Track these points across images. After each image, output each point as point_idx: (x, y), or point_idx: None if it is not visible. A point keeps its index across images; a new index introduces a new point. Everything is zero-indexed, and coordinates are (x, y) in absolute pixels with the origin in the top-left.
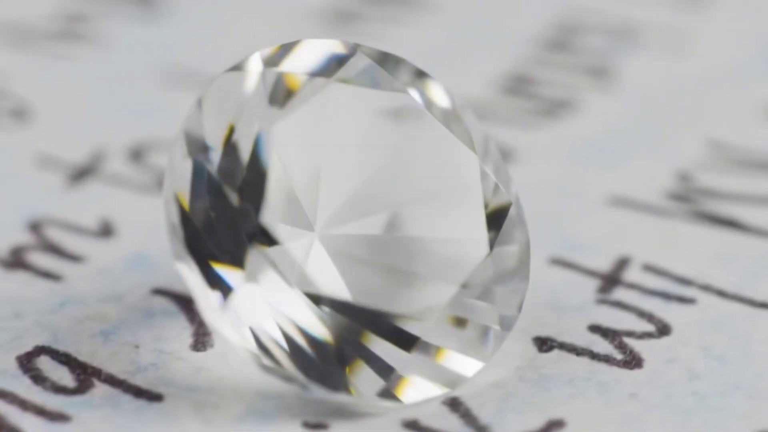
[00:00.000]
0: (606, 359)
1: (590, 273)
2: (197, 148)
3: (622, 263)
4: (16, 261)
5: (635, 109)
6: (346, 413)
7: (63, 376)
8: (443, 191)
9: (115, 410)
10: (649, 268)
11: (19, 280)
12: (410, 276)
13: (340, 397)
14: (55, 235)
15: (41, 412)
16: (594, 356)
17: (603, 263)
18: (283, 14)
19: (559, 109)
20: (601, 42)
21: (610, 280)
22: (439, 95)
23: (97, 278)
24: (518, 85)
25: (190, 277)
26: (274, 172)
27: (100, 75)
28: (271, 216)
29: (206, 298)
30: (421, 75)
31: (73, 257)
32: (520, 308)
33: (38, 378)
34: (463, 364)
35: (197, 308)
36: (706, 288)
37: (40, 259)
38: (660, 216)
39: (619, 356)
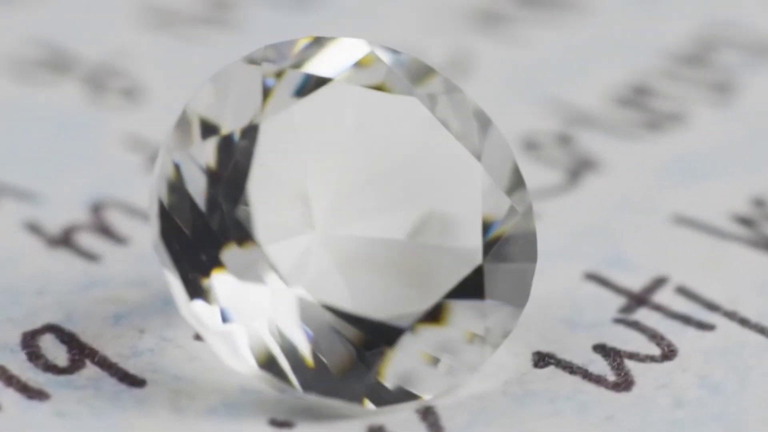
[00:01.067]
0: (597, 380)
1: (620, 291)
2: (211, 135)
3: (657, 283)
4: (64, 239)
5: (743, 128)
6: (314, 414)
7: (59, 355)
8: (442, 199)
9: (95, 392)
10: (682, 291)
11: (59, 258)
12: (401, 281)
13: (325, 400)
14: (113, 216)
15: (23, 388)
16: (586, 376)
17: (638, 282)
18: (431, 11)
19: (665, 123)
20: (736, 58)
21: (638, 299)
22: (462, 109)
23: (133, 262)
24: (635, 96)
25: (172, 279)
26: (277, 170)
27: (228, 61)
28: (270, 214)
29: (184, 296)
30: (452, 89)
31: (119, 239)
32: (513, 325)
33: (34, 355)
34: (449, 372)
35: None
36: (730, 315)
37: (88, 240)
38: (719, 238)
39: (611, 378)
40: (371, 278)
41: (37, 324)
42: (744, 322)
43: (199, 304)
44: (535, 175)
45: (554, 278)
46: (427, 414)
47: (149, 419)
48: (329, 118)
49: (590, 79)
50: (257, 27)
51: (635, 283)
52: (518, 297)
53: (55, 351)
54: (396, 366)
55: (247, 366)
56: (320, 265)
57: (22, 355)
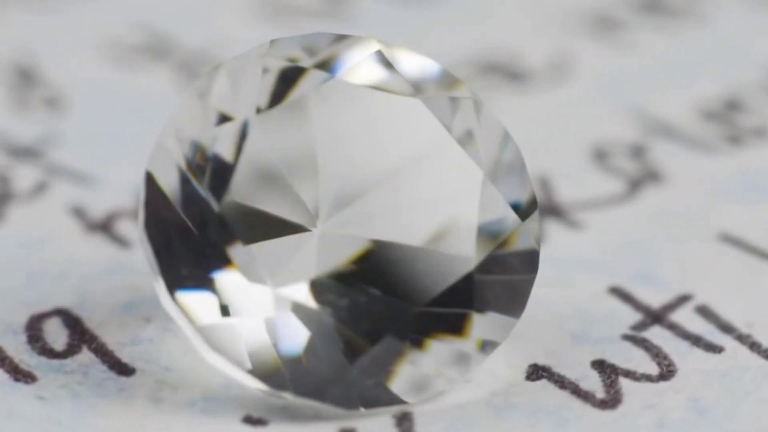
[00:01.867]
0: (585, 396)
1: (639, 307)
2: (223, 124)
3: (680, 301)
4: (103, 225)
5: None
6: (290, 413)
7: (59, 339)
8: (439, 204)
9: (82, 378)
10: (702, 310)
11: (92, 243)
12: (393, 284)
13: (311, 402)
14: None
15: (14, 369)
16: (576, 391)
17: (661, 298)
18: (546, 13)
19: (747, 138)
20: None
21: (654, 317)
22: (482, 121)
23: None
24: (724, 110)
25: (155, 270)
26: (282, 167)
27: None
28: (272, 211)
29: (165, 289)
30: (475, 100)
31: None
32: (504, 336)
33: (34, 338)
34: (434, 379)
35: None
36: (743, 338)
37: (126, 227)
38: (759, 259)
39: (600, 395)
40: (366, 280)
41: (48, 307)
42: (754, 346)
43: (196, 297)
44: (596, 185)
45: (578, 290)
46: (403, 420)
47: (125, 408)
48: (331, 116)
49: (684, 90)
50: (370, 21)
51: (658, 299)
52: (513, 308)
53: (56, 335)
54: (405, 374)
55: (231, 363)
56: (319, 265)
57: (23, 337)
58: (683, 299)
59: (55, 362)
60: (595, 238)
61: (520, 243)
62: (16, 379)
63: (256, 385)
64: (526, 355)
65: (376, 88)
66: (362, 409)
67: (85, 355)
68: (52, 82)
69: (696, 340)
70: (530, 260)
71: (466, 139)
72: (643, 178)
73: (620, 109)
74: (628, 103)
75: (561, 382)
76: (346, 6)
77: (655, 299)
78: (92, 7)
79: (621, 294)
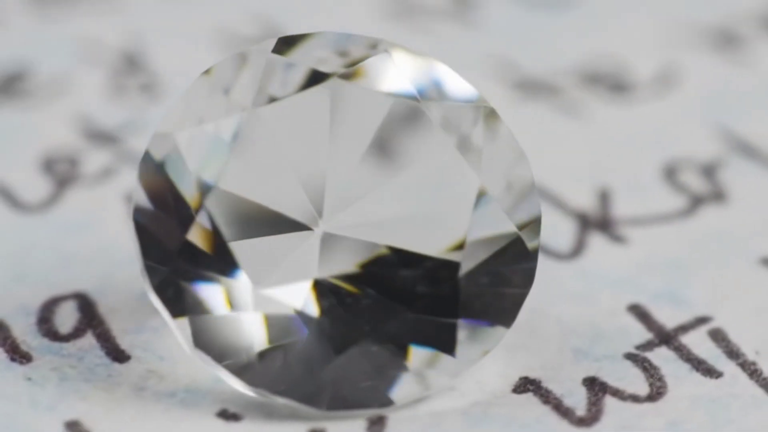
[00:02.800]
0: (565, 412)
1: (652, 326)
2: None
3: (696, 323)
4: None
5: None
6: (266, 410)
7: (67, 322)
8: (435, 210)
9: (76, 362)
10: (715, 334)
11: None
12: (383, 286)
13: (291, 402)
14: None
15: (14, 349)
16: (557, 407)
17: (678, 319)
18: (669, 25)
19: None
20: None
21: (664, 337)
22: (497, 137)
23: None
24: None
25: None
26: (285, 165)
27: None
28: (273, 206)
29: (148, 282)
30: (493, 115)
31: None
32: (491, 345)
33: (43, 319)
34: (421, 384)
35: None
36: (746, 365)
37: None
38: None
39: (580, 412)
40: (361, 282)
41: (68, 291)
42: (754, 374)
43: (189, 290)
44: (657, 201)
45: (597, 306)
46: (375, 423)
47: (107, 394)
48: (339, 116)
49: None
50: (494, 22)
51: (675, 320)
52: (503, 319)
53: (66, 318)
54: (394, 377)
55: (212, 359)
56: (317, 264)
57: (32, 318)
58: (700, 321)
59: (56, 345)
60: (634, 254)
61: (516, 256)
62: (12, 359)
63: (235, 381)
64: (520, 367)
65: (386, 92)
66: (349, 411)
67: (87, 340)
68: (154, 70)
69: (697, 364)
70: (526, 274)
71: (470, 150)
72: (707, 197)
73: (709, 125)
74: (720, 119)
75: (546, 397)
76: (473, 6)
77: (672, 319)
78: None
79: (639, 312)
